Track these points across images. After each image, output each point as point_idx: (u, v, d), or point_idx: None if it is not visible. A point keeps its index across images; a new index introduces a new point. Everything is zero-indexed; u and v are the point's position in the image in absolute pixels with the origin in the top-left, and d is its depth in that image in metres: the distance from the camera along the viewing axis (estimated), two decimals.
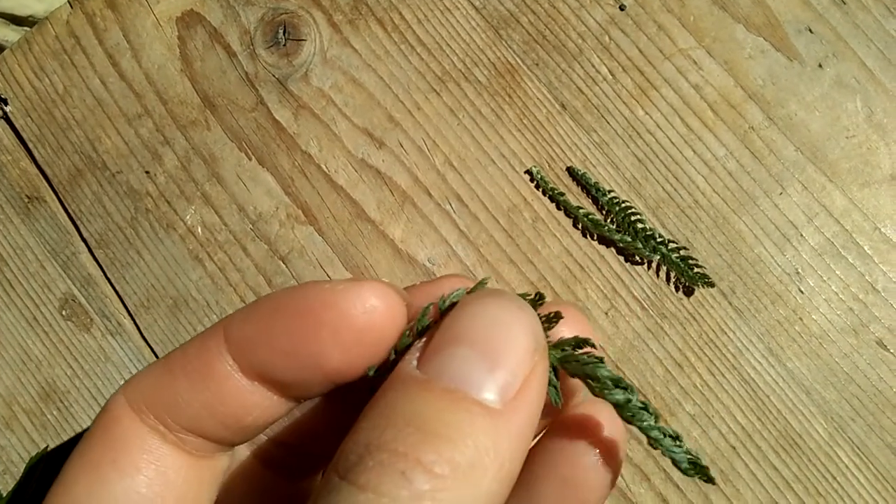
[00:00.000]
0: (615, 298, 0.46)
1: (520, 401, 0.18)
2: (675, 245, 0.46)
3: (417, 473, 0.16)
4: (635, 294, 0.46)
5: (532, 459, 0.23)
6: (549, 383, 0.20)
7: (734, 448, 0.44)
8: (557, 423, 0.23)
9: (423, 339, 0.19)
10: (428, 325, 0.21)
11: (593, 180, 0.47)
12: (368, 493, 0.16)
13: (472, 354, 0.18)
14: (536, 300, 0.21)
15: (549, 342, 0.20)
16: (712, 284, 0.45)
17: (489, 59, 0.49)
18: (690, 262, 0.45)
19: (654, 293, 0.46)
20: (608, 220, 0.47)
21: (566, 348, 0.20)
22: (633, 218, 0.46)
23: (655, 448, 0.20)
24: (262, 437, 0.25)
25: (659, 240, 0.46)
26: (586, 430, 0.22)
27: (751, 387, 0.45)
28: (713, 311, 0.46)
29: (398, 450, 0.17)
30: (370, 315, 0.20)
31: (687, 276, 0.45)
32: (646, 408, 0.20)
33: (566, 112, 0.48)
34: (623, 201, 0.47)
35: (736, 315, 0.46)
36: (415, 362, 0.19)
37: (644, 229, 0.46)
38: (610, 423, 0.22)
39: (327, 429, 0.25)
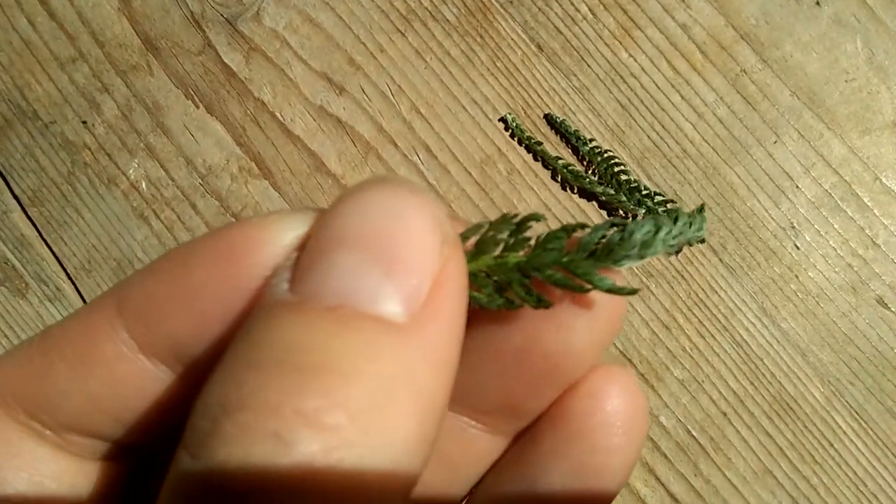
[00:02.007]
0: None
1: (433, 308, 0.13)
2: (661, 198, 0.42)
3: (299, 430, 0.12)
4: None
5: (538, 437, 0.19)
6: (519, 283, 0.15)
7: (725, 414, 0.41)
8: (565, 396, 0.18)
9: (293, 256, 0.14)
10: None
11: (573, 128, 0.43)
12: (235, 471, 0.12)
13: (358, 258, 0.13)
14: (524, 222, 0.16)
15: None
16: (702, 240, 0.42)
17: None
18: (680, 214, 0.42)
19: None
20: (589, 172, 0.43)
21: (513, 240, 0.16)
22: (616, 169, 0.43)
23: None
24: None
25: (644, 192, 0.42)
26: (603, 405, 0.18)
27: (743, 349, 0.42)
28: (703, 268, 0.43)
29: (267, 401, 0.12)
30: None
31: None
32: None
33: (543, 54, 0.44)
34: (605, 151, 0.43)
35: (727, 273, 0.43)
36: (285, 284, 0.14)
37: (628, 181, 0.42)
38: (629, 394, 0.18)
39: None
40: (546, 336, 0.17)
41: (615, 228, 0.15)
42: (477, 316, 0.16)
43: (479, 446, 0.19)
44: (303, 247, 0.14)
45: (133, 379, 0.16)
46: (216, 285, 0.15)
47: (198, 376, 0.16)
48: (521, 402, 0.18)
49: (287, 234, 0.15)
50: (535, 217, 0.16)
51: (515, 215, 0.15)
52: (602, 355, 0.18)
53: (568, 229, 0.15)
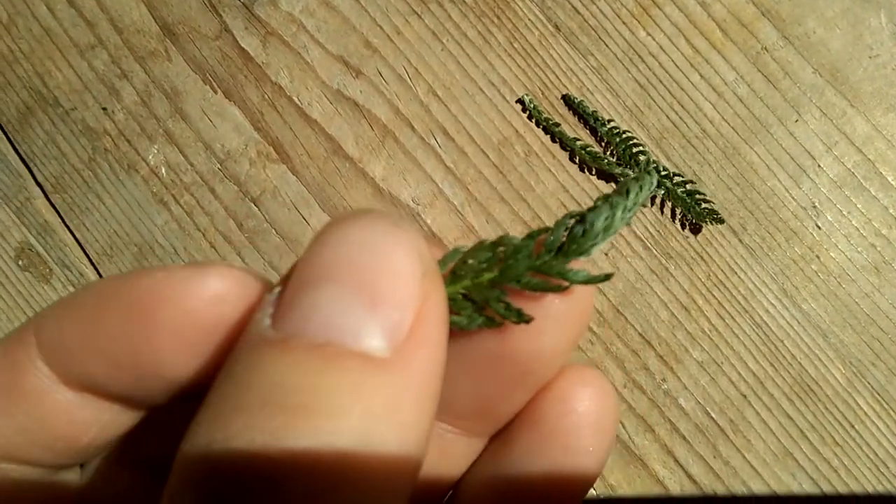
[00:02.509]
0: (616, 238, 0.43)
1: (415, 341, 0.14)
2: (680, 178, 0.42)
3: (288, 477, 0.12)
4: (637, 232, 0.43)
5: (513, 439, 0.19)
6: (497, 300, 0.16)
7: (745, 396, 0.41)
8: (538, 398, 0.19)
9: (277, 289, 0.14)
10: None
11: (591, 109, 0.43)
12: None
13: (340, 294, 0.13)
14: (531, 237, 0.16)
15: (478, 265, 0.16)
16: (721, 221, 0.42)
17: None
18: (697, 196, 0.42)
19: (659, 231, 0.43)
20: (607, 153, 0.43)
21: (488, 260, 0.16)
22: (634, 150, 0.42)
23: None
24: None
25: (663, 173, 0.42)
26: (574, 407, 0.18)
27: (763, 331, 0.42)
28: (722, 249, 0.42)
29: (254, 442, 0.12)
30: (218, 307, 0.15)
31: (694, 212, 0.41)
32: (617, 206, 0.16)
33: (560, 34, 0.44)
34: (624, 131, 0.43)
35: (747, 254, 0.42)
36: (267, 320, 0.14)
37: (647, 161, 0.42)
38: (599, 395, 0.18)
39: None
40: (516, 341, 0.17)
41: (574, 220, 0.16)
42: (451, 331, 0.16)
43: (456, 449, 0.20)
44: (286, 281, 0.14)
45: (58, 409, 0.16)
46: (124, 338, 0.15)
47: (122, 403, 0.16)
48: (495, 406, 0.19)
49: (199, 290, 0.15)
50: (509, 240, 0.16)
51: (489, 241, 0.16)
52: (571, 355, 0.18)
53: (533, 235, 0.16)
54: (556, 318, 0.17)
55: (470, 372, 0.18)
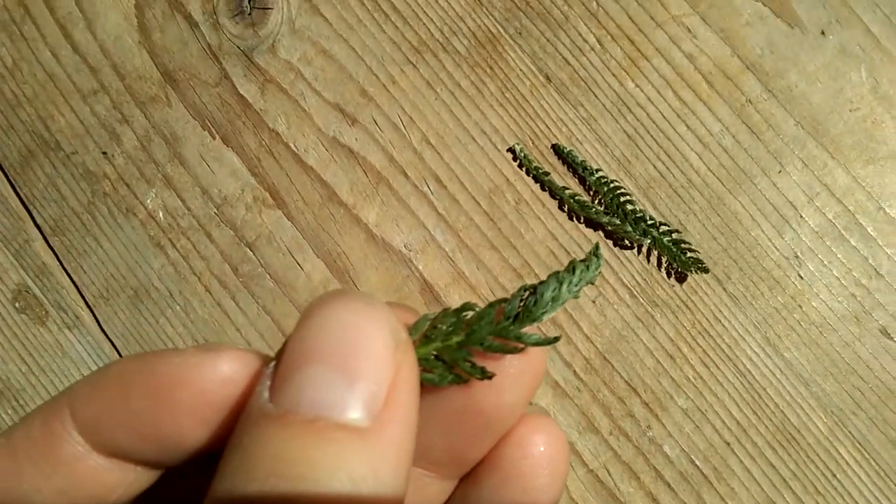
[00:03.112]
0: (603, 285, 0.44)
1: (391, 410, 0.16)
2: (666, 228, 0.43)
3: None
4: (624, 281, 0.44)
5: (479, 481, 0.22)
6: (464, 359, 0.18)
7: (728, 444, 0.42)
8: (500, 444, 0.21)
9: (272, 364, 0.17)
10: None
11: (580, 158, 0.44)
12: None
13: (325, 372, 0.16)
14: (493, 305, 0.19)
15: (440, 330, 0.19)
16: (706, 270, 0.43)
17: (469, 28, 0.46)
18: (683, 245, 0.43)
19: (645, 280, 0.44)
20: (596, 202, 0.44)
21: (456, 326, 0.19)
22: (622, 199, 0.43)
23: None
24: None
25: (650, 222, 0.43)
26: (531, 451, 0.21)
27: (747, 379, 0.43)
28: (707, 298, 0.43)
29: None
30: (228, 388, 0.18)
31: (679, 261, 0.42)
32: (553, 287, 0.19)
33: (551, 85, 0.45)
34: (612, 181, 0.44)
35: (731, 302, 0.43)
36: (266, 394, 0.16)
37: (634, 211, 0.43)
38: (552, 439, 0.21)
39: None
40: (481, 396, 0.19)
41: (528, 292, 0.19)
42: (424, 387, 0.18)
43: (431, 490, 0.22)
44: (279, 357, 0.16)
45: (90, 473, 0.18)
46: (147, 415, 0.18)
47: (147, 466, 0.19)
48: (464, 453, 0.21)
49: (210, 374, 0.18)
50: (470, 306, 0.19)
51: (454, 308, 0.19)
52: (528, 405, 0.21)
53: (493, 304, 0.19)
54: (514, 375, 0.19)
55: (441, 424, 0.20)
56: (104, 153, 0.46)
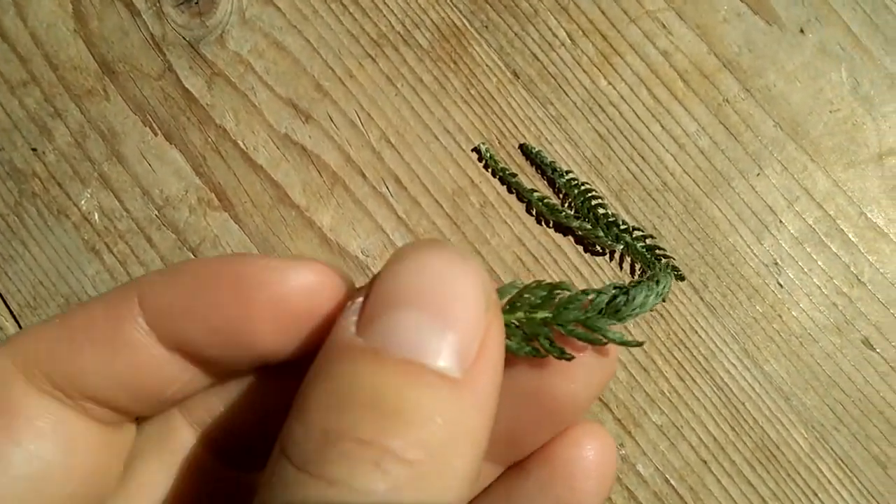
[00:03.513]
0: None
1: (481, 366, 0.16)
2: (640, 233, 0.41)
3: (391, 463, 0.15)
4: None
5: (528, 471, 0.22)
6: (545, 336, 0.19)
7: (705, 462, 0.40)
8: (555, 441, 0.22)
9: (359, 299, 0.17)
10: None
11: (549, 159, 0.42)
12: (341, 488, 0.15)
13: (419, 317, 0.16)
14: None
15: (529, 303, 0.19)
16: (682, 278, 0.41)
17: (432, 21, 0.43)
18: (657, 252, 0.41)
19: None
20: (565, 205, 0.42)
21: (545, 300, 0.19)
22: (593, 202, 0.41)
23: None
24: (207, 420, 0.22)
25: (622, 227, 0.41)
26: (585, 454, 0.22)
27: (724, 393, 0.41)
28: (683, 307, 0.41)
29: (363, 438, 0.15)
30: (309, 298, 0.19)
31: (653, 268, 0.40)
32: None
33: (519, 81, 0.43)
34: (582, 183, 0.42)
35: (708, 312, 0.41)
36: (353, 328, 0.17)
37: (605, 215, 0.41)
38: (605, 447, 0.22)
39: (266, 409, 0.22)
40: (552, 380, 0.20)
41: (618, 290, 0.19)
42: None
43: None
44: (367, 294, 0.17)
45: (150, 363, 0.19)
46: (224, 311, 0.18)
47: (206, 368, 0.20)
48: (521, 438, 0.22)
49: (295, 280, 0.18)
50: (565, 287, 0.19)
51: (547, 283, 0.19)
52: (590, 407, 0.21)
53: (586, 293, 0.19)
54: (588, 366, 0.20)
55: (509, 402, 0.20)
56: (33, 149, 0.42)
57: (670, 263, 0.41)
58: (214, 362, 0.20)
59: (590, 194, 0.41)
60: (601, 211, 0.41)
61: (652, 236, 0.41)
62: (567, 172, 0.42)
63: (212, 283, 0.19)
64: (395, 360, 0.16)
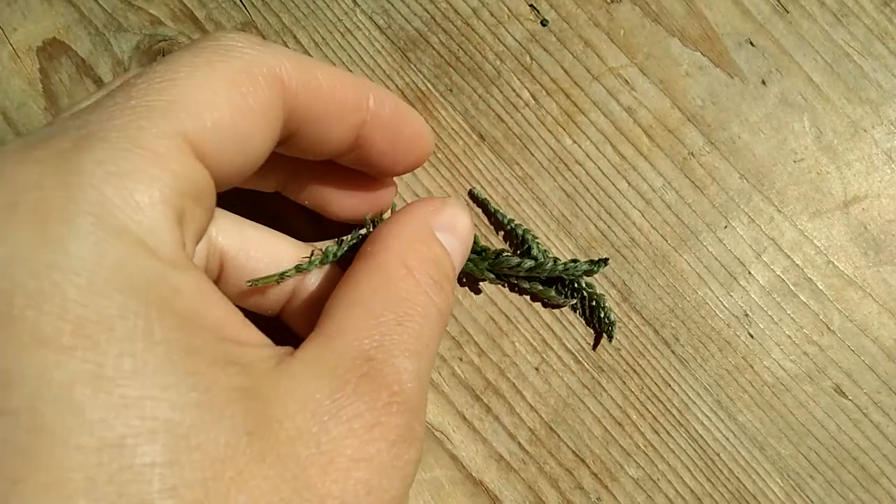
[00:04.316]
0: (546, 352, 0.43)
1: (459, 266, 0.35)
2: (589, 291, 0.43)
3: (440, 291, 0.30)
4: (568, 346, 0.43)
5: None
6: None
7: None
8: None
9: (435, 212, 0.34)
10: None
11: (493, 208, 0.44)
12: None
13: (452, 238, 0.34)
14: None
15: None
16: (610, 337, 0.42)
17: (396, 86, 0.45)
18: (603, 306, 0.42)
19: (589, 343, 0.43)
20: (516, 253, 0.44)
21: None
22: (532, 247, 0.43)
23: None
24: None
25: (561, 267, 0.42)
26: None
27: (699, 444, 0.42)
28: (655, 361, 0.43)
29: (435, 279, 0.31)
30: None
31: (604, 310, 0.42)
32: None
33: (485, 143, 0.45)
34: (525, 230, 0.43)
35: (680, 365, 0.43)
36: (432, 226, 0.33)
37: (540, 257, 0.42)
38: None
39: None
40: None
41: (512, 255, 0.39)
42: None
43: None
44: (436, 209, 0.34)
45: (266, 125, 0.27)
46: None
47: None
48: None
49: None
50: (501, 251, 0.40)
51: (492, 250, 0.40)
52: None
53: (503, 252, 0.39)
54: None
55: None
56: None
57: (607, 318, 0.42)
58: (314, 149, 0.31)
59: (528, 237, 0.43)
60: (535, 253, 0.42)
61: (590, 288, 0.43)
62: (510, 220, 0.43)
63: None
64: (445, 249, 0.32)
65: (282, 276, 0.34)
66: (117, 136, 0.21)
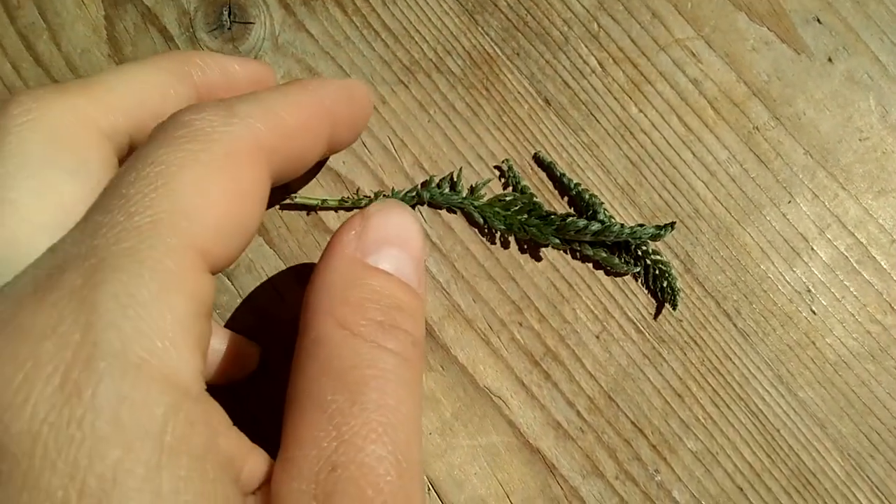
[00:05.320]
0: (607, 320, 0.44)
1: (423, 282, 0.31)
2: (657, 257, 0.44)
3: (393, 332, 0.27)
4: (629, 315, 0.44)
5: None
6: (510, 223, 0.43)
7: (741, 489, 0.42)
8: None
9: (353, 232, 0.30)
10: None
11: (559, 172, 0.45)
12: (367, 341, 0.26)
13: (399, 252, 0.30)
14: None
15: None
16: (674, 305, 0.43)
17: (464, 48, 0.46)
18: (666, 273, 0.43)
19: (651, 313, 0.44)
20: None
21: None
22: (598, 212, 0.44)
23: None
24: None
25: (628, 231, 0.43)
26: None
27: (759, 419, 0.43)
28: (716, 334, 0.44)
29: (367, 315, 0.27)
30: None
31: (670, 279, 0.43)
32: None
33: (550, 108, 0.46)
34: (591, 195, 0.44)
35: (742, 339, 0.44)
36: (357, 254, 0.29)
37: (608, 223, 0.43)
38: None
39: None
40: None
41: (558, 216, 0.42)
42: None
43: None
44: (360, 229, 0.30)
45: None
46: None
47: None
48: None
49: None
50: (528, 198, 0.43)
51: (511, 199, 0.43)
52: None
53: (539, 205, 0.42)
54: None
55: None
56: None
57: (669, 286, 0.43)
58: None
59: (594, 201, 0.44)
60: (601, 217, 0.43)
61: (658, 255, 0.44)
62: (576, 184, 0.44)
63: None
64: (386, 275, 0.29)
65: (323, 202, 0.43)
66: (129, 262, 0.22)
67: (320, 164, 0.45)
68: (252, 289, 0.44)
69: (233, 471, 0.23)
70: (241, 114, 0.27)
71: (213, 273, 0.26)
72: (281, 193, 0.44)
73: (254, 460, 0.24)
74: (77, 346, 0.20)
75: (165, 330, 0.21)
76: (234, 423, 0.26)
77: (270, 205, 0.44)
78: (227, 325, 0.43)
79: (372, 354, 0.25)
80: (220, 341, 0.36)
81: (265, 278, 0.44)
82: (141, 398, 0.20)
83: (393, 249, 0.29)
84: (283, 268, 0.44)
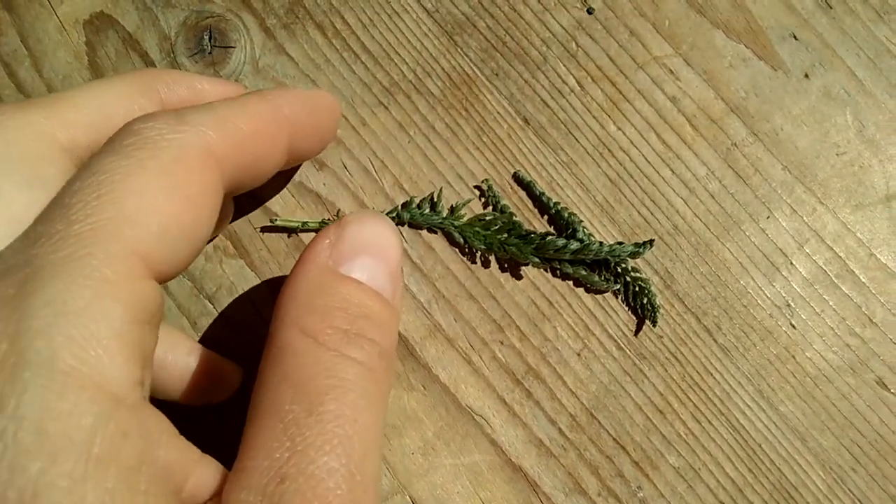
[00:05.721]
0: (588, 338, 0.44)
1: (399, 293, 0.31)
2: (636, 275, 0.44)
3: (358, 341, 0.27)
4: (610, 332, 0.45)
5: None
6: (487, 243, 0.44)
7: None
8: None
9: (327, 241, 0.30)
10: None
11: (538, 191, 0.45)
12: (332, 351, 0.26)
13: (373, 262, 0.30)
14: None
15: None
16: (654, 321, 0.44)
17: (443, 69, 0.47)
18: (645, 289, 0.44)
19: (631, 330, 0.45)
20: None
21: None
22: (578, 228, 0.44)
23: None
24: None
25: (605, 249, 0.44)
26: None
27: (740, 434, 0.44)
28: (697, 349, 0.45)
29: (333, 324, 0.27)
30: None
31: (649, 295, 0.44)
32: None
33: (529, 127, 0.47)
34: (570, 213, 0.45)
35: (722, 354, 0.45)
36: (330, 262, 0.29)
37: (587, 241, 0.44)
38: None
39: None
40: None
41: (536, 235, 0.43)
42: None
43: None
44: (335, 238, 0.30)
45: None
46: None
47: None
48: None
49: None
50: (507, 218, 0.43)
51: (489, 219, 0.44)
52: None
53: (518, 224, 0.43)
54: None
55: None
56: None
57: (649, 303, 0.44)
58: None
59: (573, 220, 0.44)
60: (580, 235, 0.44)
61: (635, 271, 0.45)
62: (555, 203, 0.45)
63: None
64: (358, 283, 0.29)
65: (304, 225, 0.45)
66: (65, 270, 0.21)
67: (290, 174, 0.45)
68: (235, 312, 0.44)
69: (172, 483, 0.23)
70: (192, 122, 0.27)
71: (162, 281, 0.26)
72: (261, 216, 0.45)
73: (202, 471, 0.24)
74: (3, 356, 0.20)
75: (99, 338, 0.21)
76: (215, 443, 0.27)
77: (251, 226, 0.45)
78: (209, 348, 0.43)
79: (334, 363, 0.25)
80: (189, 356, 0.37)
81: (247, 300, 0.45)
82: (68, 408, 0.20)
83: (367, 259, 0.29)
84: (264, 289, 0.45)
